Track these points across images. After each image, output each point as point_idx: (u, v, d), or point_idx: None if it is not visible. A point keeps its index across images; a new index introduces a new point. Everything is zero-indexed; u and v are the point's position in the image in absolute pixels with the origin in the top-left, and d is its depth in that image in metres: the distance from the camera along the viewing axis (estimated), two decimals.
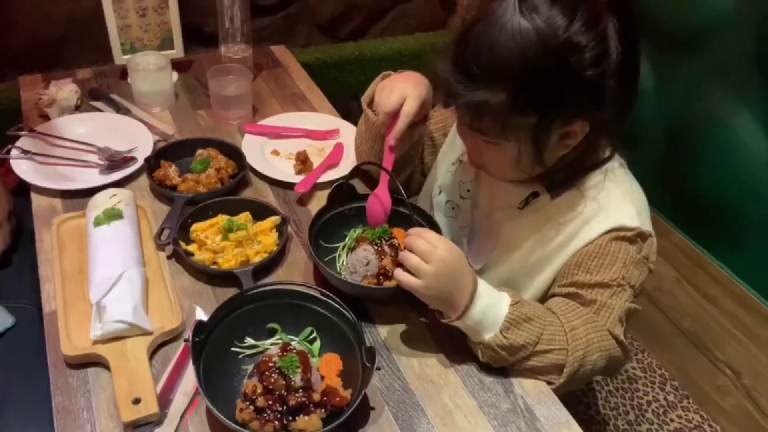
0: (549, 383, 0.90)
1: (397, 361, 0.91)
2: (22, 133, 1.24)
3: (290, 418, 0.78)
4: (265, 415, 0.77)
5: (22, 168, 1.17)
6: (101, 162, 1.21)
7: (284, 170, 1.25)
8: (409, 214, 0.99)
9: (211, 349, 0.83)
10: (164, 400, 0.82)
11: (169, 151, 1.23)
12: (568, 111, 0.84)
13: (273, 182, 1.22)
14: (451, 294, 0.84)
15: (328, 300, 0.89)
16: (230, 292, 0.97)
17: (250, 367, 0.84)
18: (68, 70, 1.51)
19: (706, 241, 1.64)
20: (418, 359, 0.91)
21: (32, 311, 1.03)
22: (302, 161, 1.25)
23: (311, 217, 1.06)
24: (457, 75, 0.84)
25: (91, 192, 1.09)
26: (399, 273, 0.85)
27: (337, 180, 1.10)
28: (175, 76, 1.50)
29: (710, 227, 1.61)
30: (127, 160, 1.21)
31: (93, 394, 0.83)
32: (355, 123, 1.23)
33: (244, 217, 1.08)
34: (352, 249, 1.01)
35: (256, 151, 1.28)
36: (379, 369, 0.89)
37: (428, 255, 0.83)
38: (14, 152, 1.19)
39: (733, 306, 1.57)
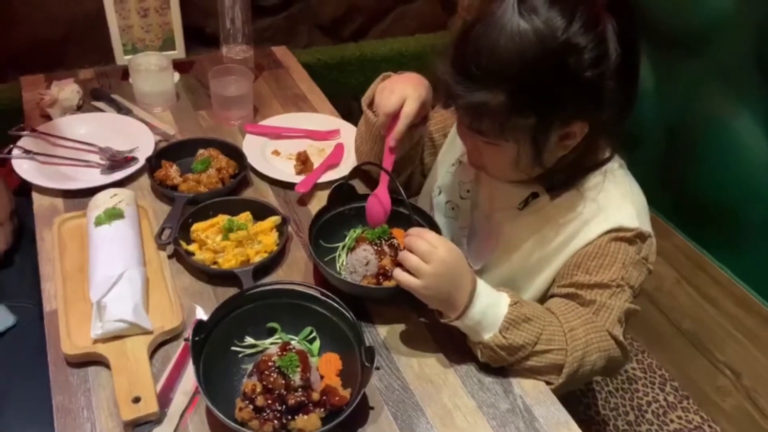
0: (548, 383, 0.90)
1: (397, 360, 0.91)
2: (24, 133, 1.24)
3: (289, 417, 0.78)
4: (265, 414, 0.78)
5: (24, 168, 1.18)
6: (102, 162, 1.21)
7: (285, 170, 1.26)
8: (408, 214, 0.99)
9: (211, 348, 0.83)
10: (164, 399, 0.82)
11: (171, 151, 1.23)
12: (567, 112, 0.84)
13: (273, 182, 1.23)
14: (450, 294, 0.84)
15: (327, 300, 0.89)
16: (230, 291, 0.97)
17: (249, 367, 0.85)
18: (70, 71, 1.52)
19: (706, 242, 1.64)
20: (418, 359, 0.92)
21: (33, 310, 1.03)
22: (303, 161, 1.25)
23: (311, 217, 1.06)
24: (456, 76, 0.85)
25: (92, 192, 1.10)
26: (398, 273, 0.85)
27: (337, 180, 1.10)
28: (176, 76, 1.50)
29: (710, 228, 1.61)
30: (129, 160, 1.21)
31: (93, 392, 0.83)
32: (355, 124, 1.23)
33: (245, 217, 1.08)
34: (351, 249, 1.01)
35: (256, 151, 1.29)
36: (378, 369, 0.89)
37: (428, 255, 0.83)
38: (16, 152, 1.20)
39: (733, 307, 1.57)
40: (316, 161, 1.27)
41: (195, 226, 1.05)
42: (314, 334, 0.91)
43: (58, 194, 1.15)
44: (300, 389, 0.79)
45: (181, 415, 0.81)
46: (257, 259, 1.02)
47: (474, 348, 0.89)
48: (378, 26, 2.11)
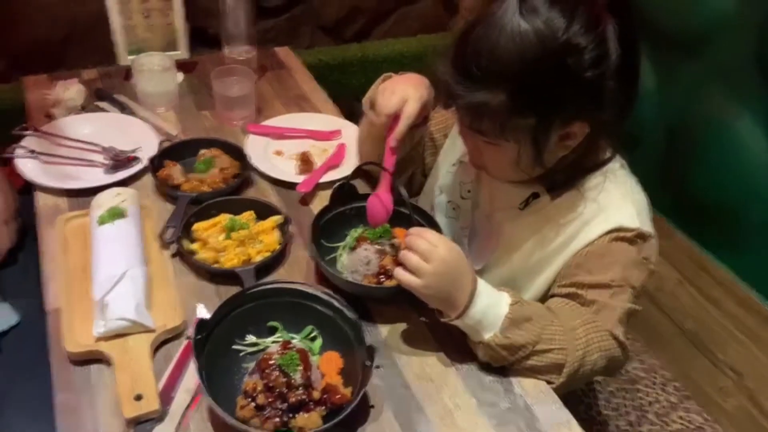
0: (549, 383, 0.90)
1: (398, 360, 0.92)
2: (28, 132, 1.25)
3: (290, 415, 0.79)
4: (266, 412, 0.78)
5: (28, 167, 1.18)
6: (106, 161, 1.22)
7: (287, 170, 1.26)
8: (409, 214, 1.00)
9: (212, 346, 0.83)
10: (166, 397, 0.83)
11: (174, 151, 1.24)
12: (567, 112, 0.85)
13: (276, 182, 1.23)
14: (450, 293, 0.84)
15: (328, 299, 0.89)
16: (232, 290, 0.98)
17: (251, 365, 0.85)
18: (73, 71, 1.52)
19: (707, 243, 1.64)
20: (419, 358, 0.92)
21: (36, 309, 1.03)
22: (305, 161, 1.26)
23: (313, 216, 1.06)
24: (456, 76, 0.85)
25: (95, 191, 1.10)
26: (399, 272, 0.86)
27: (339, 180, 1.10)
28: (179, 76, 1.51)
29: (711, 228, 1.61)
30: (132, 160, 1.22)
31: (95, 390, 0.84)
32: (357, 124, 1.23)
33: (247, 216, 1.09)
34: (353, 248, 1.02)
35: (259, 151, 1.29)
36: (378, 367, 0.89)
37: (428, 254, 0.83)
38: (19, 152, 1.21)
39: (734, 307, 1.57)
40: (318, 161, 1.28)
41: (197, 226, 1.06)
42: (315, 332, 0.91)
43: (62, 194, 1.16)
44: (301, 388, 0.80)
45: (183, 413, 0.82)
46: (259, 258, 1.03)
47: (475, 347, 0.90)
48: (380, 27, 2.12)
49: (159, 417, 0.81)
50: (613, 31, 0.82)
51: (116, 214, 1.02)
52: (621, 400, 1.74)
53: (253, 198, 1.14)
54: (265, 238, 1.06)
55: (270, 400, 0.79)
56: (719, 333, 1.62)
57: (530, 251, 1.01)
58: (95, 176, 1.19)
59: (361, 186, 1.19)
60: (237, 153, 1.24)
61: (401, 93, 1.00)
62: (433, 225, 1.04)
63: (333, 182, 1.15)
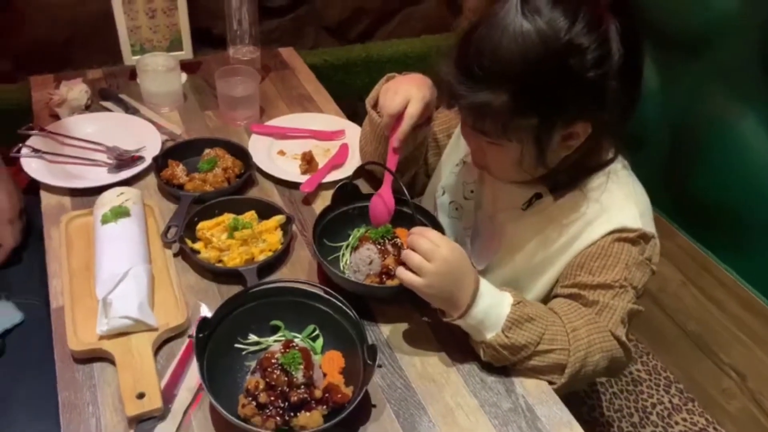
0: (550, 383, 0.90)
1: (399, 359, 0.92)
2: (33, 132, 1.25)
3: (292, 414, 0.79)
4: (267, 410, 0.78)
5: (33, 166, 1.19)
6: (110, 161, 1.23)
7: (290, 170, 1.26)
8: (412, 214, 1.00)
9: (214, 345, 0.83)
10: (168, 395, 0.83)
11: (177, 151, 1.24)
12: (569, 112, 0.85)
13: (279, 182, 1.23)
14: (452, 293, 0.85)
15: (330, 298, 0.89)
16: (235, 289, 0.98)
17: (253, 364, 0.85)
18: (78, 71, 1.53)
19: (710, 244, 1.64)
20: (420, 358, 0.92)
21: (40, 308, 1.04)
22: (308, 161, 1.26)
23: (316, 216, 1.07)
24: (459, 77, 0.85)
25: (99, 190, 1.11)
26: (401, 271, 0.86)
27: (341, 180, 1.11)
28: (183, 77, 1.51)
29: (715, 229, 1.61)
30: (135, 159, 1.23)
31: (98, 388, 0.84)
32: (360, 124, 1.23)
33: (250, 215, 1.09)
34: (355, 248, 1.02)
35: (262, 151, 1.30)
36: (380, 366, 0.90)
37: (430, 254, 0.84)
38: (25, 151, 1.21)
39: (738, 309, 1.56)
40: (321, 161, 1.28)
41: (200, 225, 1.06)
42: (317, 332, 0.91)
43: (66, 193, 1.16)
44: (302, 386, 0.80)
45: (185, 412, 0.82)
46: (262, 257, 1.03)
47: (476, 347, 0.90)
48: (384, 28, 2.12)
49: (161, 415, 0.81)
50: (616, 31, 0.81)
51: (120, 213, 1.02)
52: (624, 401, 1.74)
53: (256, 198, 1.15)
54: (267, 237, 1.06)
55: (271, 398, 0.79)
56: (722, 335, 1.62)
57: (533, 252, 1.01)
58: (99, 175, 1.19)
59: (363, 186, 1.19)
60: (240, 153, 1.24)
61: (404, 93, 1.00)
62: (436, 225, 1.04)
63: (336, 182, 1.15)
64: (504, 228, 1.05)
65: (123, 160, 1.22)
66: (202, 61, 1.60)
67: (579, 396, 1.69)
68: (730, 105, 1.48)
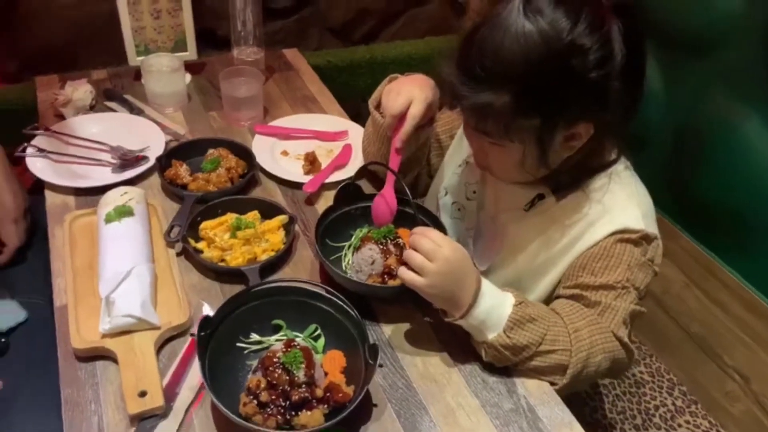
0: (552, 384, 0.90)
1: (401, 359, 0.92)
2: (38, 132, 1.26)
3: (293, 413, 0.79)
4: (269, 409, 0.78)
5: (37, 166, 1.20)
6: (114, 161, 1.23)
7: (293, 170, 1.27)
8: (414, 214, 1.00)
9: (216, 343, 0.84)
10: (170, 393, 0.83)
11: (181, 151, 1.25)
12: (572, 113, 0.85)
13: (282, 182, 1.24)
14: (454, 293, 0.85)
15: (332, 298, 0.90)
16: (238, 289, 0.98)
17: (254, 363, 0.86)
18: (83, 71, 1.54)
19: (714, 245, 1.63)
20: (422, 358, 0.92)
21: (44, 306, 1.04)
22: (311, 162, 1.26)
23: (318, 216, 1.07)
24: (461, 77, 0.85)
25: (103, 190, 1.11)
26: (403, 271, 0.86)
27: (344, 180, 1.11)
28: (188, 77, 1.52)
29: (718, 231, 1.60)
30: (139, 159, 1.23)
31: (101, 386, 0.85)
32: (364, 125, 1.24)
33: (253, 215, 1.09)
34: (357, 248, 1.02)
35: (266, 151, 1.30)
36: (381, 366, 0.90)
37: (432, 254, 0.84)
38: (30, 150, 1.22)
39: (741, 311, 1.56)
40: (324, 162, 1.28)
41: (203, 225, 1.07)
42: (319, 331, 0.91)
43: (70, 192, 1.17)
44: (304, 385, 0.80)
45: (187, 410, 0.82)
46: (264, 257, 1.03)
47: (478, 347, 0.90)
48: (389, 29, 2.12)
49: (163, 413, 0.81)
50: (618, 32, 0.82)
51: (123, 212, 1.03)
52: (627, 403, 1.73)
53: (258, 198, 1.15)
54: (270, 237, 1.06)
55: (273, 397, 0.79)
56: (726, 337, 1.61)
57: (535, 252, 1.01)
58: (103, 175, 1.20)
59: (366, 186, 1.19)
60: (244, 153, 1.25)
61: (407, 94, 1.00)
62: (438, 225, 1.04)
63: (339, 182, 1.16)
64: (506, 229, 1.05)
65: (127, 159, 1.23)
66: (206, 62, 1.61)
67: (581, 397, 1.69)
68: (733, 106, 1.48)
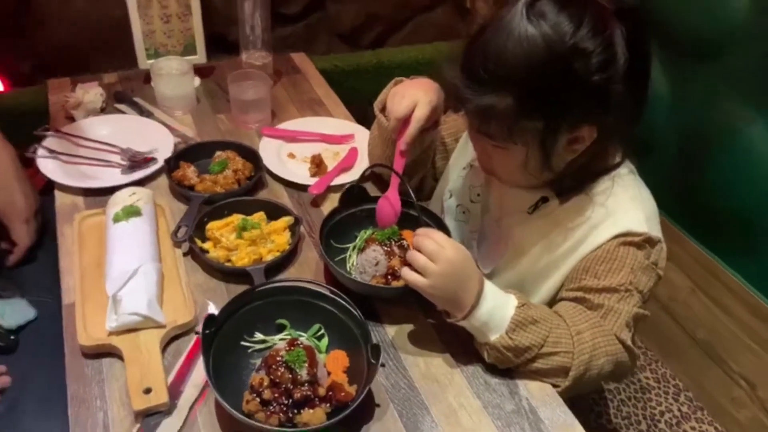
0: (554, 386, 0.90)
1: (404, 359, 0.92)
2: (49, 133, 1.28)
3: (295, 411, 0.79)
4: (271, 407, 0.79)
5: (48, 167, 1.21)
6: (123, 162, 1.25)
7: (299, 173, 1.28)
8: (417, 216, 1.01)
9: (221, 342, 0.85)
10: (174, 390, 0.84)
11: (189, 153, 1.26)
12: (574, 116, 0.85)
13: (288, 184, 1.25)
14: (456, 294, 0.85)
15: (336, 298, 0.90)
16: (243, 289, 0.98)
17: (258, 361, 0.86)
18: (95, 75, 1.56)
19: (719, 250, 1.62)
20: (425, 359, 0.93)
21: (53, 305, 1.06)
22: (317, 164, 1.27)
23: (324, 218, 1.08)
24: (465, 80, 0.86)
25: (112, 190, 1.13)
26: (406, 272, 0.87)
27: (350, 183, 1.12)
28: (197, 81, 1.53)
29: (724, 235, 1.60)
30: (148, 161, 1.25)
31: (106, 383, 0.86)
32: (370, 128, 1.25)
33: (259, 216, 1.10)
34: (362, 249, 1.03)
35: (272, 153, 1.31)
36: (383, 366, 0.90)
37: (435, 255, 0.84)
38: (41, 151, 1.24)
39: (747, 316, 1.55)
40: (330, 164, 1.30)
41: (210, 225, 1.08)
42: (322, 331, 0.92)
43: (80, 192, 1.19)
44: (306, 384, 0.80)
45: (191, 407, 0.83)
46: (269, 257, 1.04)
47: (480, 349, 0.90)
48: (397, 35, 2.13)
49: (167, 410, 0.82)
50: (621, 36, 0.82)
51: (131, 212, 1.04)
52: (632, 409, 1.72)
53: (264, 199, 1.16)
54: (276, 238, 1.07)
55: (276, 395, 0.79)
56: (732, 342, 1.61)
57: (539, 255, 1.01)
58: (112, 176, 1.21)
59: (371, 188, 1.20)
60: (251, 155, 1.26)
61: (411, 97, 1.01)
62: (442, 227, 1.05)
63: (344, 185, 1.17)
64: (510, 231, 1.06)
65: (136, 161, 1.24)
66: (215, 66, 1.63)
67: (587, 402, 1.68)
68: (739, 110, 1.48)
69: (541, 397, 0.89)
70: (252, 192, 1.22)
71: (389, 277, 0.98)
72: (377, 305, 1.00)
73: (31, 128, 1.27)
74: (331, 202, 1.21)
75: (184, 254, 1.06)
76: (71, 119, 1.37)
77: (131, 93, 1.49)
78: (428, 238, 0.86)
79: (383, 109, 1.10)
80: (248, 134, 1.40)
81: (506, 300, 0.87)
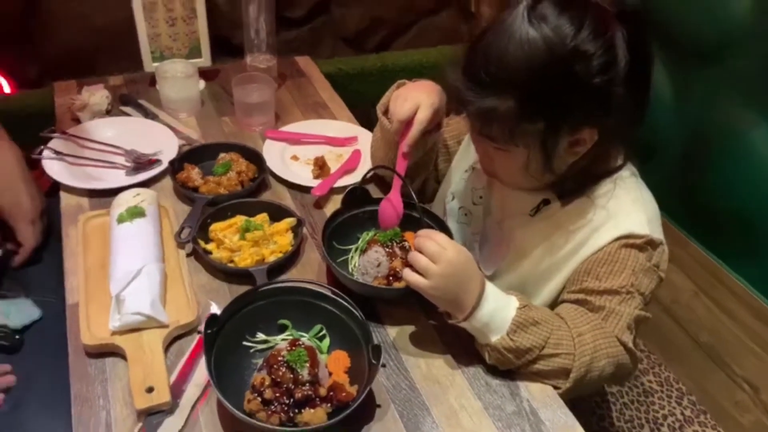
0: (555, 387, 0.90)
1: (405, 360, 0.93)
2: (55, 135, 1.29)
3: (296, 410, 0.80)
4: (272, 406, 0.79)
5: (54, 168, 1.22)
6: (128, 164, 1.26)
7: (302, 175, 1.28)
8: (419, 218, 1.01)
9: (223, 342, 0.85)
10: (177, 390, 0.85)
11: (193, 155, 1.27)
12: (575, 118, 0.86)
13: (291, 186, 1.25)
14: (457, 295, 0.85)
15: (338, 299, 0.91)
16: (245, 289, 0.99)
17: (260, 361, 0.87)
18: (101, 77, 1.57)
19: (722, 253, 1.62)
20: (426, 360, 0.93)
21: (57, 305, 1.06)
22: (320, 166, 1.28)
23: (326, 219, 1.08)
24: (467, 83, 0.87)
25: (116, 192, 1.14)
26: (407, 273, 0.87)
27: (353, 185, 1.12)
28: (201, 83, 1.54)
29: (727, 238, 1.60)
30: (153, 162, 1.25)
31: (109, 382, 0.86)
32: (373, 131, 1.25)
33: (262, 218, 1.11)
34: (364, 251, 1.03)
35: (276, 155, 1.32)
36: (384, 366, 0.91)
37: (436, 256, 0.85)
38: (46, 153, 1.25)
39: (751, 320, 1.54)
40: (334, 166, 1.30)
41: (213, 226, 1.08)
42: (324, 331, 0.92)
43: (85, 194, 1.19)
44: (307, 384, 0.81)
45: (193, 406, 0.84)
46: (272, 258, 1.05)
47: (482, 350, 0.90)
48: (401, 39, 2.14)
49: (169, 409, 0.83)
50: (622, 38, 0.83)
51: (135, 213, 1.05)
52: (635, 412, 1.72)
53: (267, 200, 1.17)
54: (278, 239, 1.08)
55: (277, 395, 0.80)
56: (736, 346, 1.60)
57: (540, 257, 1.02)
58: (117, 177, 1.22)
59: (373, 190, 1.21)
60: (255, 157, 1.27)
61: (414, 100, 1.01)
62: (444, 229, 1.05)
63: (347, 187, 1.17)
64: (512, 234, 1.06)
65: (140, 163, 1.25)
66: (220, 69, 1.63)
67: (588, 404, 1.68)
68: (742, 113, 1.48)
69: (542, 398, 0.89)
70: (255, 194, 1.22)
71: (391, 278, 0.98)
72: (379, 306, 1.00)
73: (38, 130, 1.28)
74: (334, 204, 1.21)
75: (188, 255, 1.07)
76: (77, 121, 1.38)
77: (136, 95, 1.50)
78: (429, 239, 0.87)
79: (386, 112, 1.11)
80: (252, 136, 1.41)
81: (507, 301, 0.88)
